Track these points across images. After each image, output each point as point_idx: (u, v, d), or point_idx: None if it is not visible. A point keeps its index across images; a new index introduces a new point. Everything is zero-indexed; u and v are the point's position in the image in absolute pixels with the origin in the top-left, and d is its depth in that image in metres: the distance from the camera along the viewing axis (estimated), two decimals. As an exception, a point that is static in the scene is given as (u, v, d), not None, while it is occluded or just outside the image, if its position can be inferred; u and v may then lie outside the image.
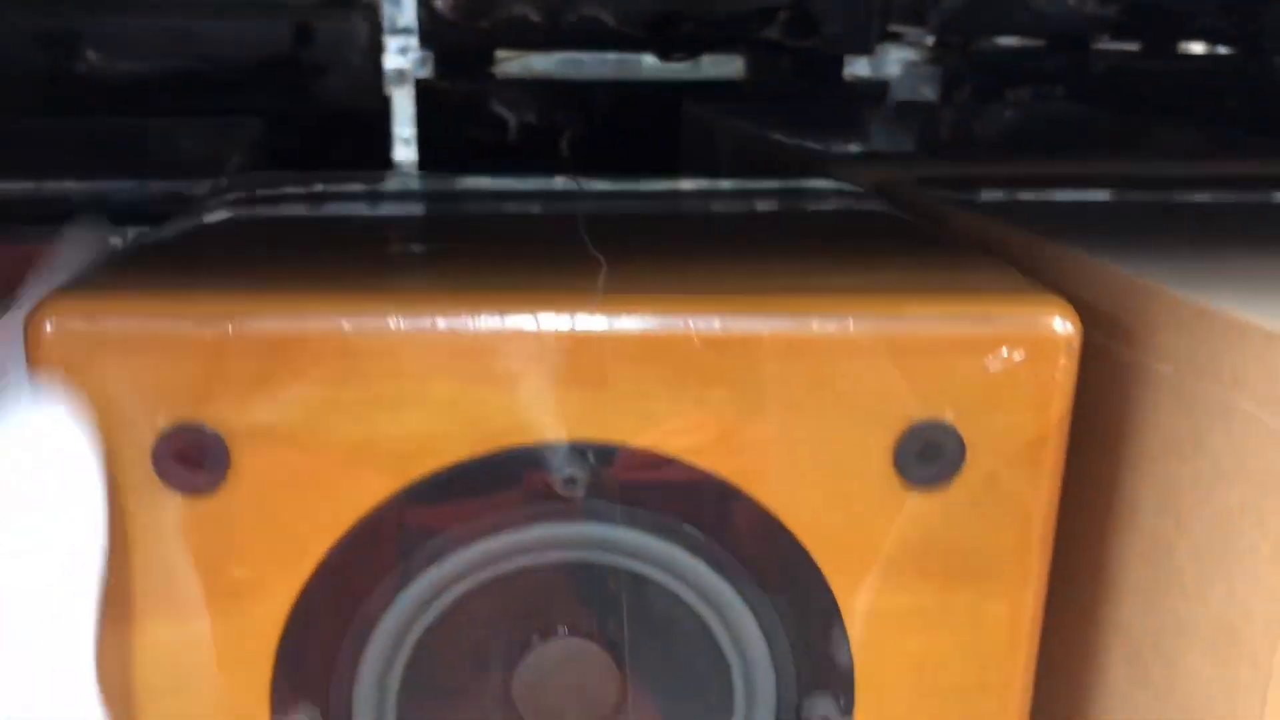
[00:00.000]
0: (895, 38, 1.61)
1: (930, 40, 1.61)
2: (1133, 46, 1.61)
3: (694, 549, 0.46)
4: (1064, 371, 0.45)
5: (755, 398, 0.44)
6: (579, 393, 0.44)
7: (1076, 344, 0.45)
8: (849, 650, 0.47)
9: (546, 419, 0.44)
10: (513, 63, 1.49)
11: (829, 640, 0.47)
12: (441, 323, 0.43)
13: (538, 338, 0.43)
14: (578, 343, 0.44)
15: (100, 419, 0.42)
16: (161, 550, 0.44)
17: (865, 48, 1.64)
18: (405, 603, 0.46)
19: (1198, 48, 1.58)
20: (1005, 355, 0.44)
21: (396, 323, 0.43)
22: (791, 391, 0.44)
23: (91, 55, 1.39)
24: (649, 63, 1.47)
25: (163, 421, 0.43)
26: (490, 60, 1.50)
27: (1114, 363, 0.49)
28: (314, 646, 0.46)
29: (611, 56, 1.46)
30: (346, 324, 0.43)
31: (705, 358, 0.44)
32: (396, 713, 0.47)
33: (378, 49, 1.40)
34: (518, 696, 0.48)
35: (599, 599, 0.47)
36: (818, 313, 0.44)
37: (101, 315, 0.42)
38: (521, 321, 0.43)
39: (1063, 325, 0.45)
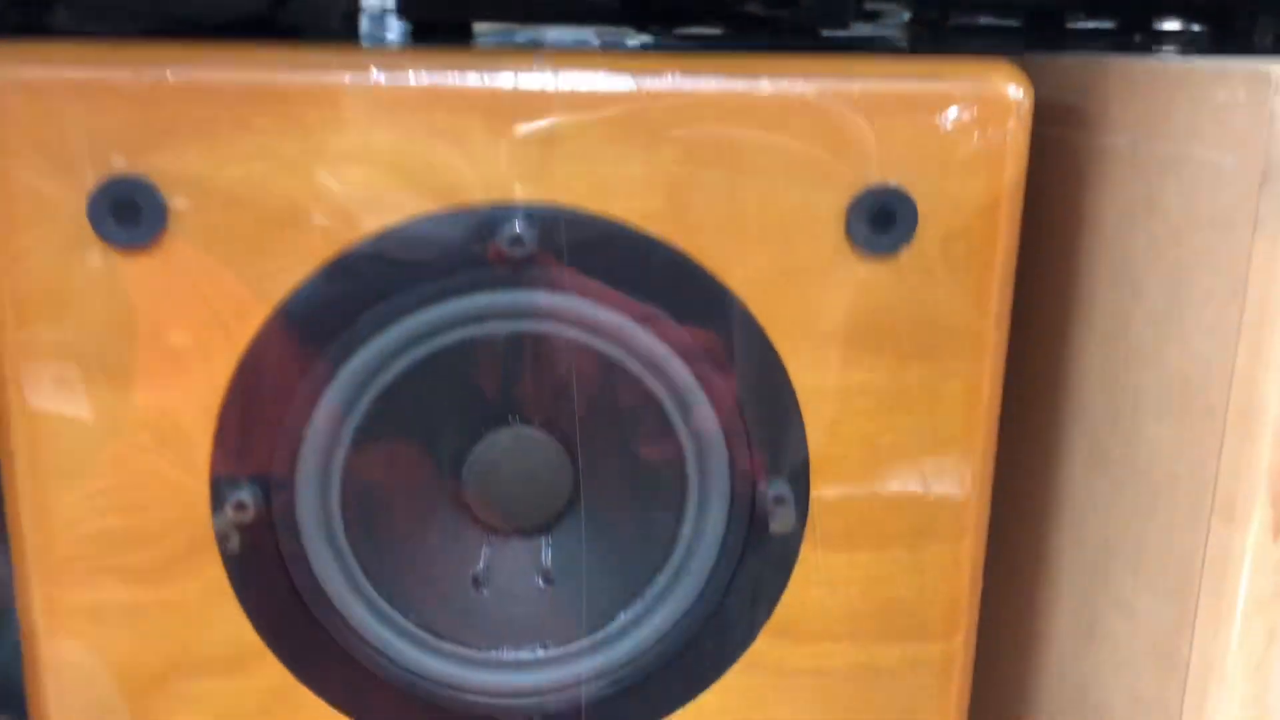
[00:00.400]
0: (872, 16, 1.61)
1: (907, 17, 1.62)
2: (1108, 24, 1.61)
3: (644, 320, 0.45)
4: (1015, 134, 0.45)
5: (705, 160, 0.44)
6: (525, 152, 0.43)
7: (1027, 107, 0.44)
8: (804, 431, 0.47)
9: (492, 179, 0.43)
10: (489, 36, 1.49)
11: (783, 421, 0.47)
12: (381, 76, 0.42)
13: (482, 93, 0.43)
14: (524, 99, 0.43)
15: (34, 171, 0.42)
16: (96, 313, 0.43)
17: (841, 22, 1.65)
18: (349, 374, 0.45)
19: (1173, 25, 1.58)
20: (956, 115, 0.44)
21: (337, 74, 0.42)
22: (741, 154, 0.44)
23: (64, 16, 1.39)
24: (627, 35, 1.47)
25: (98, 173, 0.42)
26: (468, 34, 1.50)
27: (1068, 151, 0.49)
28: (255, 420, 0.45)
29: (589, 30, 1.46)
30: (286, 74, 0.42)
31: (654, 116, 0.43)
32: (341, 495, 0.46)
33: (355, 14, 1.41)
34: (467, 486, 0.47)
35: (548, 377, 0.46)
36: (768, 73, 0.44)
37: (36, 63, 0.42)
38: (466, 77, 0.43)
39: (1013, 88, 0.44)
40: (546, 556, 0.48)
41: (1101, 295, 0.47)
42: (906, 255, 0.45)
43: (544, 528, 0.48)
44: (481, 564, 0.48)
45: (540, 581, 0.48)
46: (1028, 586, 0.52)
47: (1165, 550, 0.44)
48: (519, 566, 0.48)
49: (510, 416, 0.46)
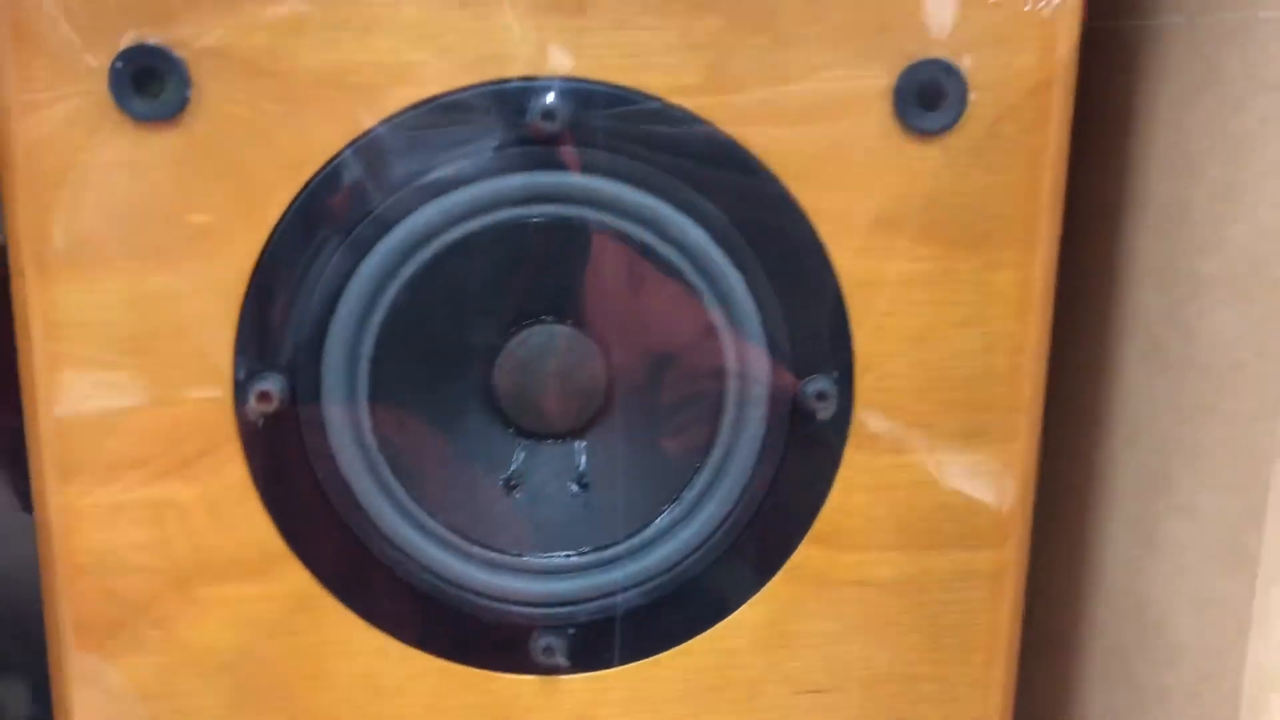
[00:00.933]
0: None
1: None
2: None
3: (682, 205, 0.43)
4: (1067, 9, 0.43)
5: (746, 32, 0.42)
6: (558, 21, 0.42)
7: (1080, -19, 0.43)
8: (848, 325, 0.45)
9: (524, 50, 0.42)
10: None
11: (827, 313, 0.45)
12: (414, -56, 0.41)
13: (515, -36, 0.41)
14: (557, -31, 0.41)
15: (55, 43, 0.40)
16: (117, 192, 0.42)
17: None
18: (378, 259, 0.43)
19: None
20: (1006, -13, 0.42)
21: (367, -57, 0.41)
22: (785, 25, 0.42)
23: None
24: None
25: (120, 41, 0.41)
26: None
27: (1119, 40, 0.47)
28: (281, 306, 0.43)
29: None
30: (314, -59, 0.41)
31: (692, -13, 0.42)
32: (369, 388, 0.44)
33: None
34: (498, 386, 0.45)
35: (580, 266, 0.44)
36: (809, -57, 0.42)
37: (58, -70, 0.40)
38: (498, -53, 0.41)
39: (1066, -40, 0.42)
40: (581, 460, 0.46)
41: (1156, 183, 0.45)
42: (955, 136, 0.43)
43: (579, 430, 0.46)
44: (513, 467, 0.46)
45: (574, 486, 0.46)
46: (1079, 496, 0.50)
47: (1229, 443, 0.42)
48: (552, 470, 0.46)
49: (542, 314, 0.44)
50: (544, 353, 0.45)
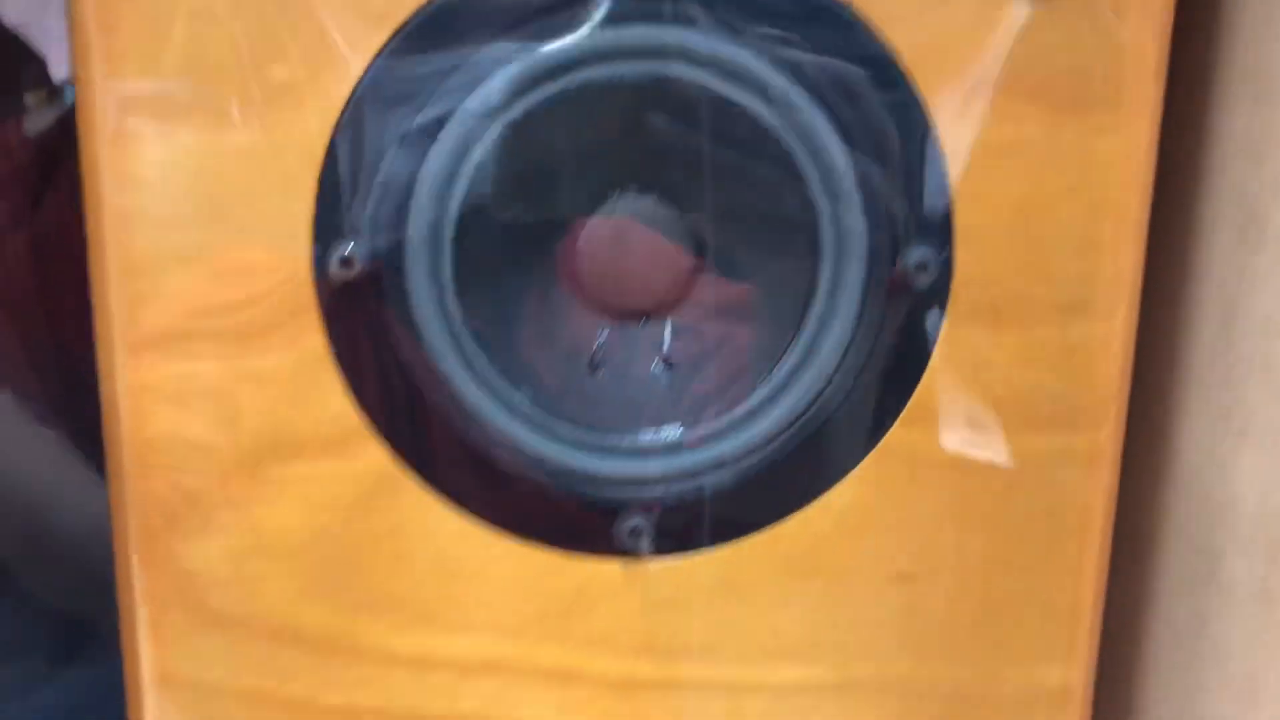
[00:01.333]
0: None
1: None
2: None
3: (779, 63, 0.42)
4: None
5: (847, -116, 0.40)
6: None
7: None
8: (949, 191, 0.43)
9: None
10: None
11: (926, 180, 0.43)
12: None
13: None
14: None
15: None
16: (194, 42, 0.40)
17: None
18: (462, 120, 0.41)
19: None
20: None
21: None
22: (887, -124, 0.40)
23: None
24: None
25: (202, -118, 0.39)
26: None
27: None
28: (363, 169, 0.41)
29: None
30: None
31: None
32: (453, 256, 0.42)
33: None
34: (581, 263, 0.44)
35: (672, 125, 0.42)
36: None
37: None
38: None
39: None
40: (666, 338, 0.44)
41: (1256, 44, 0.43)
42: (1063, -7, 0.41)
43: (666, 307, 0.44)
44: (598, 344, 0.44)
45: (661, 364, 0.44)
46: (1164, 385, 0.49)
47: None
48: (639, 349, 0.45)
49: (630, 182, 0.43)
50: (630, 227, 0.43)
